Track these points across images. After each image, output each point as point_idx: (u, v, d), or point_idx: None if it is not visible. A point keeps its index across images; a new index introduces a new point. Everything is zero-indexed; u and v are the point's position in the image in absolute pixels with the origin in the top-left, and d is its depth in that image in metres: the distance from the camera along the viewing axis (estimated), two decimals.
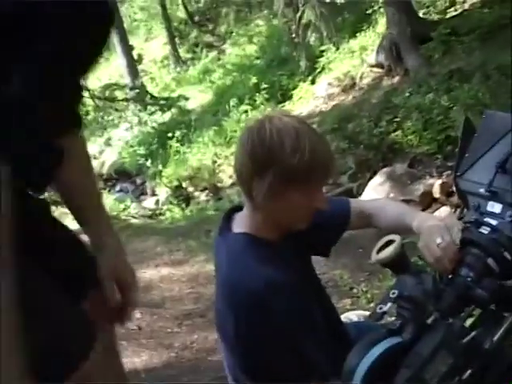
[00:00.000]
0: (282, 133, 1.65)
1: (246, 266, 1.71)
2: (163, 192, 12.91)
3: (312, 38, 12.74)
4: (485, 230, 1.54)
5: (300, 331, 1.66)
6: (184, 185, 12.42)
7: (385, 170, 8.29)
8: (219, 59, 17.39)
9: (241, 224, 1.83)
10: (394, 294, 1.47)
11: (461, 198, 1.69)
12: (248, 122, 1.85)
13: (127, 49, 18.07)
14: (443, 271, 1.58)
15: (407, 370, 1.34)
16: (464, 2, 11.46)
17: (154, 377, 3.63)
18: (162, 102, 14.38)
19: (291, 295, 1.65)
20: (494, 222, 1.54)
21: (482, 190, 1.59)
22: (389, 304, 1.46)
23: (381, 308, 1.46)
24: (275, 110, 1.87)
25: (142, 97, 14.39)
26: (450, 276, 1.56)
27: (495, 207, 1.56)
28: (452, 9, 11.50)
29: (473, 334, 1.44)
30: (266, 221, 1.77)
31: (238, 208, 1.91)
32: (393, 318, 1.48)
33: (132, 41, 19.68)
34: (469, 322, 1.55)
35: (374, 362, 1.38)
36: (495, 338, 1.46)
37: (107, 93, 13.67)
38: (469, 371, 1.40)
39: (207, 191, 12.11)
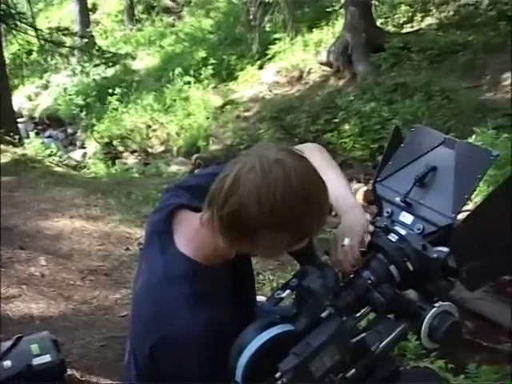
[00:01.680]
0: (311, 198, 1.48)
1: (177, 304, 1.58)
2: (92, 146, 12.75)
3: (268, 24, 12.74)
4: (393, 238, 1.58)
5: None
6: (114, 143, 12.30)
7: None
8: (173, 26, 17.19)
9: (188, 242, 1.67)
10: (293, 282, 1.50)
11: (376, 202, 1.72)
12: (264, 156, 1.49)
13: None
14: (341, 272, 1.61)
15: (295, 357, 1.36)
16: (421, 21, 11.65)
17: (47, 326, 3.59)
18: (108, 56, 14.12)
19: (213, 347, 1.53)
20: (403, 232, 1.58)
21: (397, 199, 1.62)
22: (287, 291, 1.47)
23: (279, 294, 1.48)
24: (293, 150, 1.50)
25: (89, 47, 14.10)
26: (351, 276, 1.60)
27: (407, 218, 1.60)
28: (409, 25, 11.68)
29: (363, 335, 1.47)
30: (225, 250, 1.61)
31: (184, 205, 1.74)
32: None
33: None
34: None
35: (262, 344, 1.39)
36: (383, 343, 1.50)
37: (55, 36, 13.28)
38: (353, 370, 1.44)
39: (136, 154, 12.01)
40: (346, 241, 1.60)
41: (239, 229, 1.50)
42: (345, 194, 1.76)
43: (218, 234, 1.54)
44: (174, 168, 10.51)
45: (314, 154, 1.82)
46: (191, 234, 1.67)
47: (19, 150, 9.21)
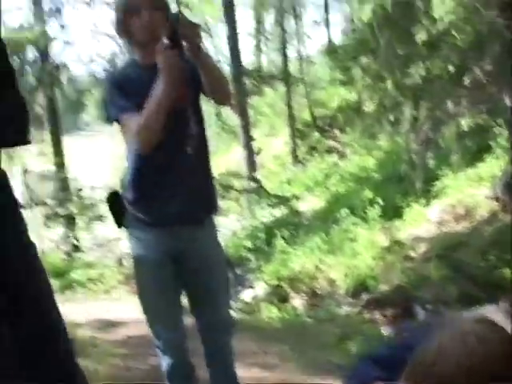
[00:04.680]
0: None
1: None
2: (261, 287, 12.95)
3: (430, 160, 12.80)
4: None
5: None
6: (283, 284, 12.46)
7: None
8: (336, 165, 17.57)
9: None
10: None
11: None
12: (467, 333, 1.46)
13: (248, 139, 18.45)
14: None
15: None
16: None
17: None
18: (275, 199, 14.62)
19: None
20: None
21: None
22: None
23: None
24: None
25: (258, 190, 14.67)
26: None
27: None
28: None
29: None
30: None
31: None
32: None
33: (253, 133, 20.09)
34: None
35: None
36: None
37: (225, 180, 13.93)
38: None
39: (304, 295, 12.09)
40: None
41: None
42: None
43: None
44: (343, 310, 10.48)
45: None
46: None
47: None
